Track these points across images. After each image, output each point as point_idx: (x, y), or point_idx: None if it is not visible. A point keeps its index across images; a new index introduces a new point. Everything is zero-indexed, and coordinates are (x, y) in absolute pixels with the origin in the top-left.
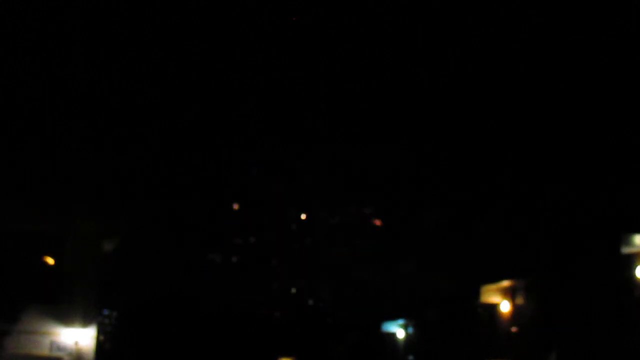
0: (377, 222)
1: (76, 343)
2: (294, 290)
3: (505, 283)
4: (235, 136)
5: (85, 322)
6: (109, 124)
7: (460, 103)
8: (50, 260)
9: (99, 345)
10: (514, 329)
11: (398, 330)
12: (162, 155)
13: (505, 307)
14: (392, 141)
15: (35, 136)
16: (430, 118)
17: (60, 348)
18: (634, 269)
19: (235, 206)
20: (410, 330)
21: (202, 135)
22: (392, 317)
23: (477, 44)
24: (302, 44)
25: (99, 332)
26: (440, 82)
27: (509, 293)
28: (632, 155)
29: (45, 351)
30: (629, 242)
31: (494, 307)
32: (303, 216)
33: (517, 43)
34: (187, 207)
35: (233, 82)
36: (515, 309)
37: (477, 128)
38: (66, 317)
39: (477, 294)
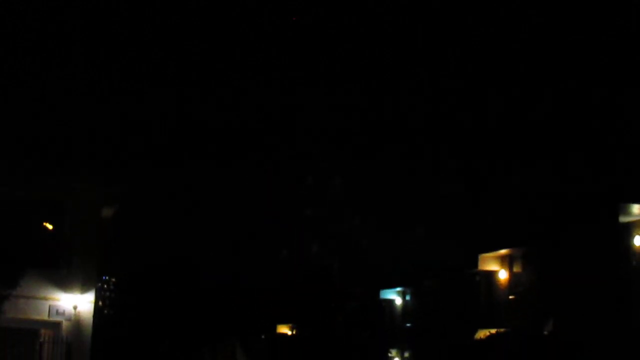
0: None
1: (75, 308)
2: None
3: (503, 251)
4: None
5: (84, 287)
6: (109, 88)
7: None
8: (49, 226)
9: (98, 310)
10: (511, 297)
11: (396, 297)
12: (162, 120)
13: (503, 275)
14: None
15: (35, 102)
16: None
17: (59, 313)
18: (632, 238)
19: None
20: (408, 297)
21: (203, 99)
22: (390, 285)
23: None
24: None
25: (98, 298)
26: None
27: (507, 261)
28: (630, 125)
29: (44, 316)
30: (627, 212)
31: (491, 275)
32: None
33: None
34: (187, 173)
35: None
36: (513, 277)
37: (478, 104)
38: (65, 282)
39: (475, 262)
